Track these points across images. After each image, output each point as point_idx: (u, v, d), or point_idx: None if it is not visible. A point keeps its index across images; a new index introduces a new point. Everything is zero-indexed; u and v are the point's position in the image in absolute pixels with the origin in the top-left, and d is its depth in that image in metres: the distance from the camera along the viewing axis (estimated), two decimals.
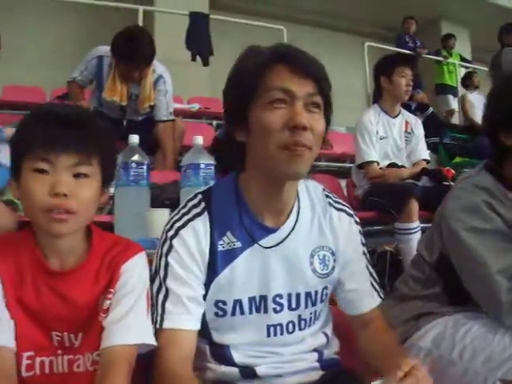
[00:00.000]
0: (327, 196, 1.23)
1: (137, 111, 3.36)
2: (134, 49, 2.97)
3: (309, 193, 1.20)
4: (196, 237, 1.09)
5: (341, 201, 1.25)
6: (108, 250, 1.11)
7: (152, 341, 1.05)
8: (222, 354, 1.15)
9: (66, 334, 1.07)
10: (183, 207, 1.14)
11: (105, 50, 3.17)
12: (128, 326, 1.04)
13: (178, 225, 1.10)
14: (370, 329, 1.23)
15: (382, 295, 1.26)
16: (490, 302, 1.29)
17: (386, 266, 3.02)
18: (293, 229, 1.14)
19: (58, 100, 3.61)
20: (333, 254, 1.18)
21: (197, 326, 1.09)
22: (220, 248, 1.10)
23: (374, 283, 1.26)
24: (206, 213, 1.11)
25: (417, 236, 2.84)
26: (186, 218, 1.11)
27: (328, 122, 1.09)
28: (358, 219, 1.25)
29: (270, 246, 1.12)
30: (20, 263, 1.05)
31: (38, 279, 1.05)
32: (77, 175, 1.01)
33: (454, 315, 1.37)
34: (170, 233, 1.10)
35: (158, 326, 1.07)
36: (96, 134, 1.04)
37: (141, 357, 1.06)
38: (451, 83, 7.51)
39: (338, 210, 1.22)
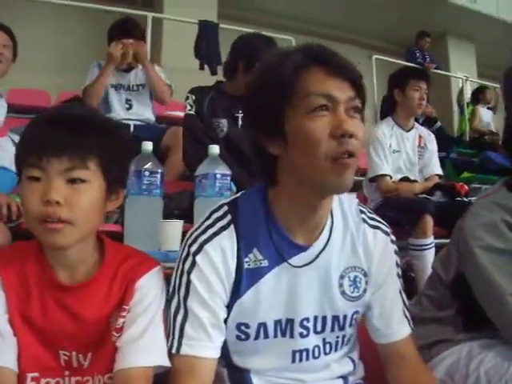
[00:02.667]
0: (361, 211, 1.11)
1: (144, 104, 3.49)
2: (128, 24, 3.46)
3: (342, 207, 1.09)
4: (222, 253, 0.99)
5: (376, 217, 1.14)
6: (121, 262, 1.03)
7: (169, 362, 0.97)
8: (241, 379, 1.06)
9: (74, 353, 0.99)
10: (207, 219, 1.03)
11: (100, 61, 3.48)
12: (144, 347, 0.96)
13: (201, 239, 0.99)
14: (401, 364, 1.11)
15: (412, 325, 1.14)
16: (504, 323, 1.23)
17: None
18: (324, 247, 1.04)
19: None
20: (365, 275, 1.08)
21: (217, 354, 0.99)
22: (246, 266, 1.00)
23: (406, 310, 1.13)
24: (232, 226, 1.00)
25: (431, 252, 2.78)
26: (210, 231, 1.00)
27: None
28: (394, 238, 1.15)
29: (300, 265, 1.02)
30: (26, 275, 0.97)
31: (44, 293, 0.97)
32: (72, 180, 0.92)
33: (469, 343, 1.30)
34: (193, 248, 0.99)
35: (174, 350, 0.97)
36: (93, 133, 0.94)
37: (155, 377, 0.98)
38: None
39: (373, 227, 1.11)
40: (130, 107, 3.45)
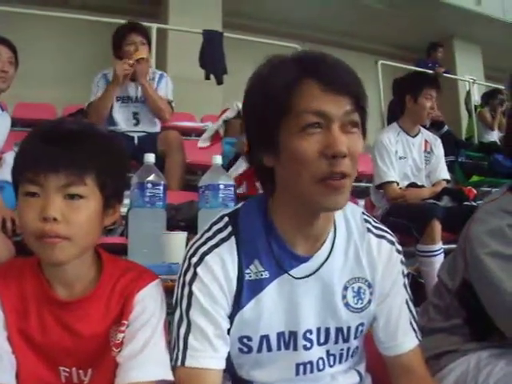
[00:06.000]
0: (366, 220, 1.09)
1: (150, 119, 3.43)
2: (134, 22, 3.57)
3: (345, 216, 1.07)
4: (223, 264, 0.98)
5: (381, 226, 1.12)
6: (119, 277, 1.02)
7: (171, 376, 0.96)
8: None
9: (74, 369, 0.99)
10: (207, 231, 1.02)
11: (105, 70, 3.46)
12: (145, 362, 0.95)
13: (202, 250, 0.98)
14: (407, 377, 1.08)
15: (420, 336, 1.12)
16: None
17: None
18: (327, 258, 1.02)
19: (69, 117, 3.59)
20: (369, 286, 1.06)
21: (222, 365, 0.98)
22: (247, 277, 0.99)
23: (413, 321, 1.11)
24: (232, 238, 1.00)
25: (440, 258, 2.73)
26: (210, 243, 0.99)
27: (364, 136, 0.96)
28: (400, 247, 1.12)
29: (302, 276, 1.01)
30: (24, 292, 0.97)
31: (42, 309, 0.97)
32: (69, 196, 0.92)
33: (478, 353, 1.27)
34: (194, 259, 0.98)
35: (179, 363, 0.95)
36: (91, 149, 0.94)
37: None
38: None
39: (378, 236, 1.08)
40: (138, 122, 3.41)
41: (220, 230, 1.01)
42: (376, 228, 1.09)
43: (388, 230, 1.12)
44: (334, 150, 0.87)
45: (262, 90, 0.94)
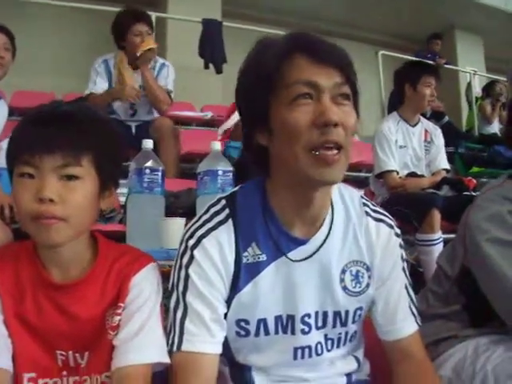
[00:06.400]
0: (364, 204, 1.08)
1: (147, 110, 3.39)
2: (138, 12, 3.33)
3: (343, 200, 1.06)
4: (220, 248, 0.97)
5: (380, 210, 1.11)
6: (115, 260, 1.02)
7: (167, 359, 0.96)
8: (243, 377, 1.04)
9: (70, 352, 0.98)
10: (205, 213, 1.02)
11: (106, 56, 3.37)
12: (141, 344, 0.95)
13: (199, 233, 0.98)
14: (406, 362, 1.07)
15: (419, 321, 1.11)
16: None
17: None
18: (325, 241, 1.01)
19: None
20: (368, 269, 1.05)
21: (219, 350, 0.97)
22: (244, 260, 0.98)
23: (412, 306, 1.10)
24: (230, 220, 0.99)
25: (439, 247, 2.74)
26: (208, 225, 0.99)
27: (357, 114, 0.96)
28: (398, 231, 1.11)
29: (299, 259, 1.00)
30: (19, 275, 0.97)
31: (38, 293, 0.96)
32: (65, 177, 0.91)
33: (476, 339, 1.27)
34: (191, 242, 0.98)
35: (175, 347, 0.95)
36: (87, 129, 0.93)
37: (155, 376, 0.97)
38: None
39: (376, 220, 1.07)
40: (134, 113, 3.38)
41: (217, 213, 1.01)
42: (374, 211, 1.09)
43: (387, 214, 1.11)
44: (325, 118, 0.87)
45: (253, 67, 0.95)
